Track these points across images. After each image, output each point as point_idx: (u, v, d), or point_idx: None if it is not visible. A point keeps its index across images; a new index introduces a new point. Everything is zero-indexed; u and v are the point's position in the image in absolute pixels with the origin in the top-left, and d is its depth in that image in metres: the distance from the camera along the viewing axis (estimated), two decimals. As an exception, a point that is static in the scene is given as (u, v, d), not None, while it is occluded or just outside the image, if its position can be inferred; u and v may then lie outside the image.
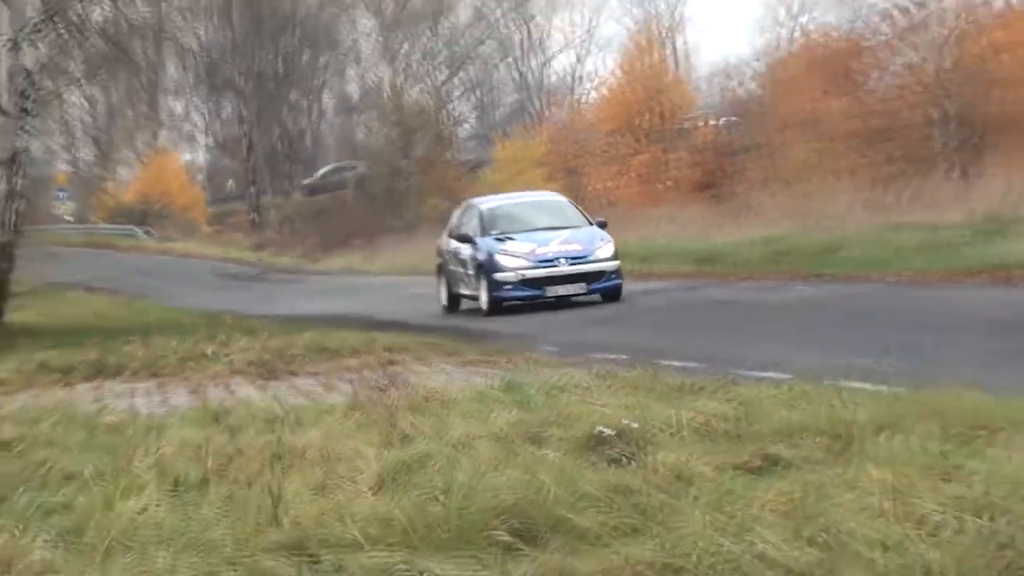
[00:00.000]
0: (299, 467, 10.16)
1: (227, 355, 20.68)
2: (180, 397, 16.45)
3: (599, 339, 21.55)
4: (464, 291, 29.71)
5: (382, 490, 9.08)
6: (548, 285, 27.46)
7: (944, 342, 17.99)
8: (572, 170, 55.18)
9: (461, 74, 68.86)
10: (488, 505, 8.11)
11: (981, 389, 10.92)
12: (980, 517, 7.26)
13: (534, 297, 27.55)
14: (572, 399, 12.59)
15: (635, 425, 10.36)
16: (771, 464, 9.10)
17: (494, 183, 58.40)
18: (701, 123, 55.22)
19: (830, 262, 31.06)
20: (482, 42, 67.81)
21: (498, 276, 27.63)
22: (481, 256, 28.27)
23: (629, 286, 33.39)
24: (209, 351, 21.22)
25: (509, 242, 28.30)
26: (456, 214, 32.23)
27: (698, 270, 34.82)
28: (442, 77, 67.85)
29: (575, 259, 27.72)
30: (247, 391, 16.61)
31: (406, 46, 64.41)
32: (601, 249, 28.06)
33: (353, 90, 66.48)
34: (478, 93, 70.39)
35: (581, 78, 67.19)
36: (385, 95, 65.28)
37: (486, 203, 31.61)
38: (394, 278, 45.96)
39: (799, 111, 46.65)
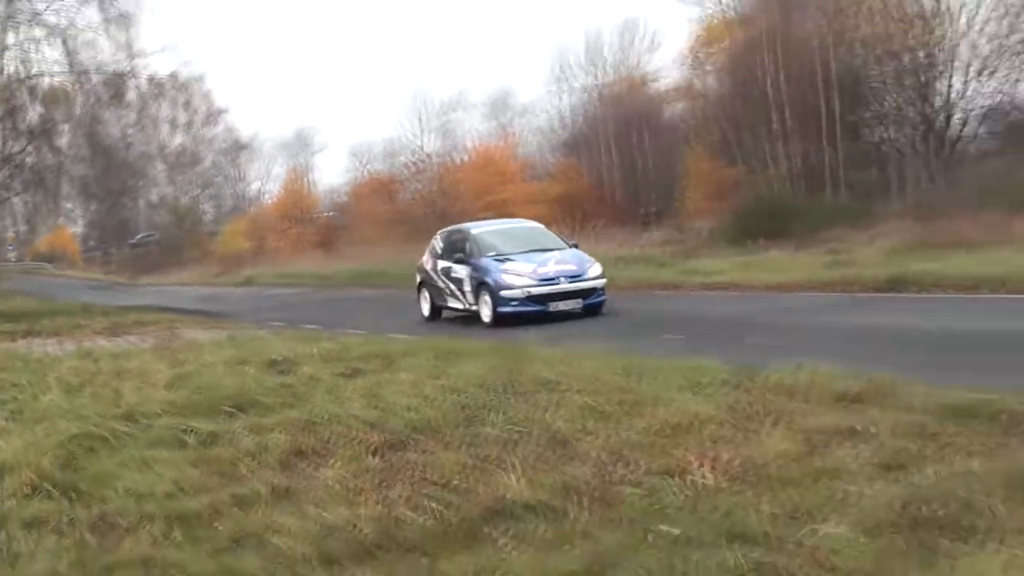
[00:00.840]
0: (129, 378, 9.77)
1: (92, 325, 19.59)
2: (69, 346, 15.39)
3: (274, 315, 20.99)
4: (454, 305, 17.09)
5: (170, 388, 8.79)
6: (551, 301, 15.35)
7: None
8: (262, 236, 54.13)
9: (207, 190, 66.91)
10: (222, 394, 7.96)
11: (455, 337, 11.27)
12: (454, 394, 7.39)
13: (538, 312, 15.19)
14: (260, 343, 12.34)
15: (292, 355, 10.24)
16: (356, 372, 9.05)
17: (224, 243, 57.00)
18: (321, 215, 54.85)
19: (380, 279, 30.68)
20: (216, 175, 66.06)
21: (505, 293, 15.46)
22: (482, 275, 16.04)
23: (285, 290, 32.78)
24: (83, 323, 20.07)
25: (509, 262, 15.99)
26: (438, 239, 18.51)
27: (319, 283, 34.28)
28: (196, 192, 65.94)
29: (572, 277, 15.64)
30: (103, 342, 15.70)
31: (180, 177, 62.19)
32: (592, 268, 15.93)
33: (155, 197, 63.65)
34: (215, 199, 68.24)
35: (265, 193, 65.56)
36: (170, 200, 63.12)
37: (475, 228, 17.90)
38: (180, 287, 43.72)
39: (367, 210, 46.53)
